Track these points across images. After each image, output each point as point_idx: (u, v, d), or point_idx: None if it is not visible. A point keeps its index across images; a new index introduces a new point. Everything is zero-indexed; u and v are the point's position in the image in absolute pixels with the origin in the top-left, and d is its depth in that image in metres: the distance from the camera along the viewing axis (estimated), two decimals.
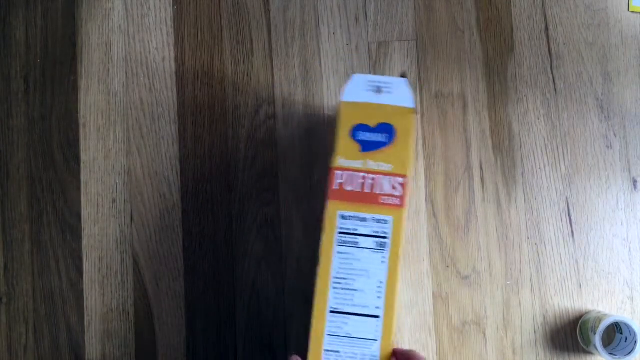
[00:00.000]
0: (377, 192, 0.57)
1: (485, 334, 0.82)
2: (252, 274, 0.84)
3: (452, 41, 0.87)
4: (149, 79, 0.87)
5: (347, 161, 0.58)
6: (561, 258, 0.84)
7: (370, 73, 0.87)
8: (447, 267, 0.83)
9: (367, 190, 0.57)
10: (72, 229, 0.85)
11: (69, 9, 0.88)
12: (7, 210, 0.85)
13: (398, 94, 0.60)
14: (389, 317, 0.55)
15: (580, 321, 0.81)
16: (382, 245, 0.56)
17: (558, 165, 0.85)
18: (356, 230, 0.57)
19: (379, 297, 0.55)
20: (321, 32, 0.87)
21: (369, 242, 0.57)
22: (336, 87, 0.86)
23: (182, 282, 0.84)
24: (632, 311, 0.83)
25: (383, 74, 0.87)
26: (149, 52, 0.87)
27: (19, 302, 0.84)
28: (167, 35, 0.88)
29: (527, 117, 0.86)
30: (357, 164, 0.58)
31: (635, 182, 0.85)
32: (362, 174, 0.58)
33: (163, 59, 0.87)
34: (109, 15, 0.88)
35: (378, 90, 0.60)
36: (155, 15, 0.88)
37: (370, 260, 0.56)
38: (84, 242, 0.85)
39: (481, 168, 0.85)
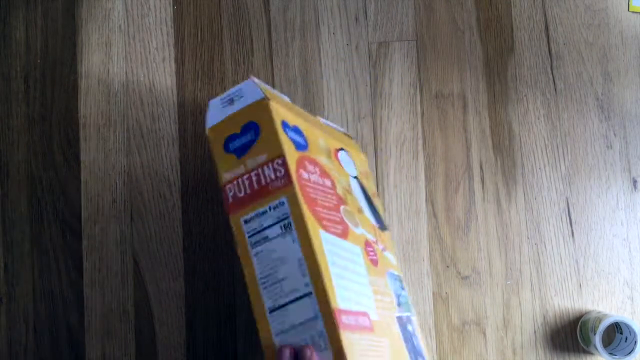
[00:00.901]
0: (264, 183, 0.59)
1: (485, 334, 0.82)
2: None
3: (452, 41, 0.87)
4: (149, 79, 0.87)
5: (230, 173, 0.60)
6: (561, 258, 0.84)
7: (370, 74, 0.87)
8: (447, 267, 0.83)
9: (255, 187, 0.59)
10: (72, 229, 0.85)
11: (69, 9, 0.88)
12: (7, 210, 0.85)
13: (248, 94, 0.62)
14: (320, 288, 0.54)
15: (580, 321, 0.81)
16: (287, 226, 0.57)
17: (558, 165, 0.85)
18: (262, 225, 0.58)
19: (303, 275, 0.55)
20: (321, 32, 0.87)
21: (276, 230, 0.57)
22: (336, 87, 0.86)
23: (182, 282, 0.84)
24: (632, 311, 0.83)
25: (383, 74, 0.87)
26: (149, 52, 0.87)
27: (19, 302, 0.84)
28: (167, 35, 0.88)
29: (527, 117, 0.86)
30: (239, 170, 0.60)
31: (635, 182, 0.85)
32: (245, 176, 0.60)
33: (163, 59, 0.87)
34: (109, 15, 0.88)
35: (231, 102, 0.63)
36: (155, 15, 0.88)
37: (283, 246, 0.57)
38: (84, 242, 0.85)
39: (481, 168, 0.85)
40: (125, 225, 0.85)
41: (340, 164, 0.69)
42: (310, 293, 0.55)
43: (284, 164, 0.58)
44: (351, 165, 0.72)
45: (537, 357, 0.82)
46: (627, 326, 0.76)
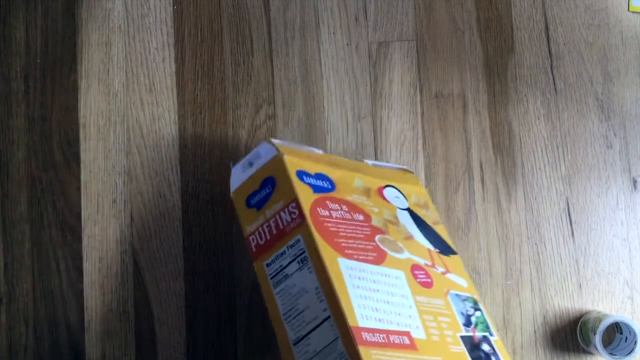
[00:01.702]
0: (282, 227, 0.64)
1: None
2: (252, 274, 0.84)
3: (452, 41, 0.87)
4: (149, 79, 0.87)
5: (251, 226, 0.67)
6: (561, 258, 0.84)
7: (370, 74, 0.87)
8: None
9: (274, 232, 0.64)
10: (72, 229, 0.85)
11: (69, 9, 0.88)
12: (7, 210, 0.85)
13: (264, 154, 0.69)
14: (336, 309, 0.57)
15: (580, 321, 0.81)
16: (304, 260, 0.61)
17: (558, 165, 0.85)
18: (281, 265, 0.63)
19: (321, 301, 0.58)
20: (321, 32, 0.87)
21: (294, 266, 0.62)
22: (336, 87, 0.86)
23: (182, 282, 0.84)
24: (632, 311, 0.83)
25: (383, 74, 0.87)
26: (149, 52, 0.87)
27: (19, 302, 0.84)
28: (167, 35, 0.88)
29: (527, 117, 0.86)
30: (259, 221, 0.66)
31: (635, 182, 0.85)
32: (265, 225, 0.65)
33: (163, 59, 0.87)
34: (109, 15, 0.88)
35: (250, 164, 0.70)
36: (155, 15, 0.88)
37: (301, 278, 0.61)
38: (84, 242, 0.85)
39: (481, 168, 0.85)
40: (125, 225, 0.85)
41: (384, 199, 0.74)
42: (329, 317, 0.58)
43: (298, 206, 0.63)
44: (401, 198, 0.77)
45: (537, 357, 0.82)
46: (627, 326, 0.76)
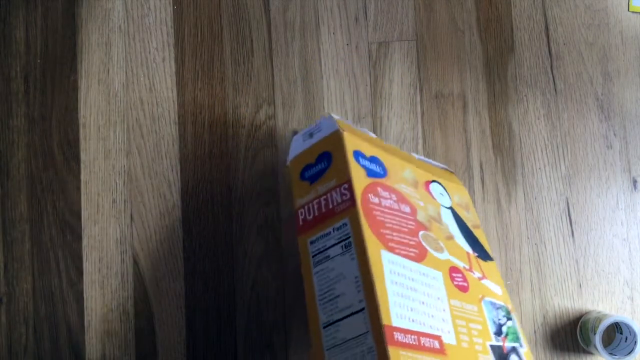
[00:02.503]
0: (331, 207, 0.63)
1: None
2: (252, 274, 0.84)
3: (452, 41, 0.87)
4: (149, 79, 0.87)
5: (302, 199, 0.66)
6: (561, 258, 0.84)
7: (370, 74, 0.87)
8: None
9: (323, 210, 0.63)
10: (72, 229, 0.85)
11: (69, 9, 0.88)
12: (7, 210, 0.85)
13: (325, 128, 0.68)
14: (372, 304, 0.55)
15: (580, 321, 0.81)
16: (348, 245, 0.60)
17: (558, 165, 0.85)
18: (325, 246, 0.62)
19: (359, 291, 0.57)
20: (321, 32, 0.87)
21: (337, 249, 0.60)
22: (336, 87, 0.86)
23: (182, 282, 0.84)
24: (632, 311, 0.83)
25: (383, 74, 0.87)
26: (149, 52, 0.87)
27: (19, 302, 0.84)
28: (167, 35, 0.88)
29: (527, 117, 0.86)
30: (310, 196, 0.65)
31: (635, 182, 0.85)
32: (315, 201, 0.64)
33: (163, 59, 0.87)
34: (109, 15, 0.88)
35: (310, 135, 0.69)
36: (155, 15, 0.88)
37: (342, 263, 0.59)
38: (84, 242, 0.85)
39: (481, 168, 0.85)
40: (125, 225, 0.85)
41: (430, 195, 0.73)
42: (363, 309, 0.56)
43: (350, 188, 0.62)
44: (445, 196, 0.76)
45: (537, 357, 0.82)
46: (627, 326, 0.76)
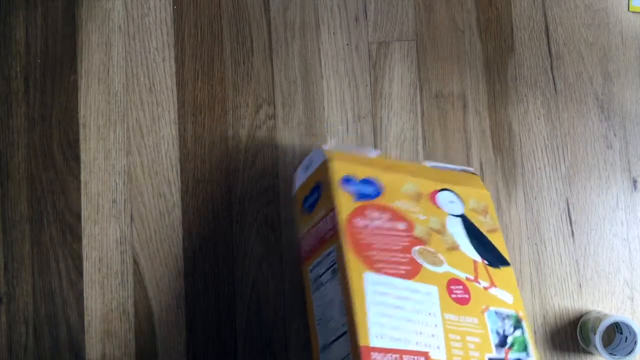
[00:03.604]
0: (322, 235, 0.65)
1: None
2: (252, 274, 0.84)
3: (452, 41, 0.87)
4: (149, 79, 0.87)
5: (303, 229, 0.69)
6: (561, 258, 0.84)
7: (370, 74, 0.87)
8: None
9: (318, 238, 0.66)
10: (72, 229, 0.85)
11: (69, 9, 0.88)
12: (7, 210, 0.85)
13: (316, 159, 0.71)
14: (351, 326, 0.57)
15: (580, 321, 0.81)
16: (334, 271, 0.62)
17: (558, 165, 0.85)
18: (319, 272, 0.64)
19: (343, 315, 0.59)
20: (321, 32, 0.87)
21: (328, 275, 0.63)
22: (336, 87, 0.86)
23: (182, 282, 0.84)
24: (632, 311, 0.83)
25: (383, 74, 0.87)
26: (149, 52, 0.87)
27: (19, 302, 0.84)
28: (167, 35, 0.88)
29: (527, 117, 0.86)
30: (308, 225, 0.68)
31: (635, 182, 0.85)
32: (312, 230, 0.67)
33: (163, 59, 0.87)
34: (109, 15, 0.88)
35: (307, 167, 0.71)
36: (155, 15, 0.88)
37: (331, 288, 0.62)
38: (84, 242, 0.85)
39: (481, 168, 0.85)
40: (125, 225, 0.85)
41: (435, 205, 0.73)
42: (346, 332, 0.58)
43: (334, 216, 0.64)
44: (456, 204, 0.75)
45: None
46: (627, 326, 0.76)
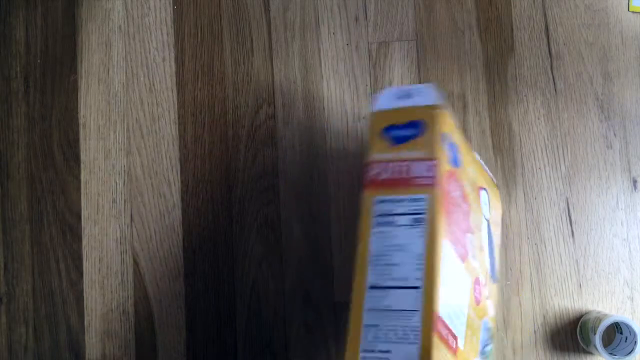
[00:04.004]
0: (412, 176, 0.60)
1: None
2: (252, 274, 0.84)
3: (452, 41, 0.87)
4: (149, 79, 0.87)
5: (380, 155, 0.63)
6: (561, 258, 0.84)
7: (370, 74, 0.87)
8: None
9: (402, 175, 0.61)
10: (72, 229, 0.85)
11: (69, 9, 0.88)
12: (7, 210, 0.85)
13: (427, 96, 0.65)
14: (430, 287, 0.55)
15: (580, 321, 0.81)
16: (419, 220, 0.58)
17: (558, 165, 0.85)
18: (392, 210, 0.59)
19: (418, 269, 0.56)
20: (321, 32, 0.87)
21: (405, 220, 0.59)
22: (336, 87, 0.86)
23: (182, 282, 0.84)
24: (632, 311, 0.83)
25: (383, 74, 0.87)
26: (149, 52, 0.87)
27: (19, 302, 0.84)
28: (167, 35, 0.88)
29: (527, 117, 0.86)
30: (389, 155, 0.62)
31: (635, 182, 0.85)
32: (395, 163, 0.62)
33: (163, 59, 0.87)
34: (109, 15, 0.88)
35: (408, 96, 0.66)
36: (155, 15, 0.88)
37: (408, 236, 0.58)
38: (84, 242, 0.85)
39: None
40: (125, 225, 0.85)
41: (479, 200, 0.72)
42: (419, 287, 0.56)
43: (437, 168, 0.60)
44: (487, 207, 0.74)
45: (537, 357, 0.82)
46: (627, 326, 0.76)
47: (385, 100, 0.67)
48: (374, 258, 0.58)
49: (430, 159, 0.61)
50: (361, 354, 0.54)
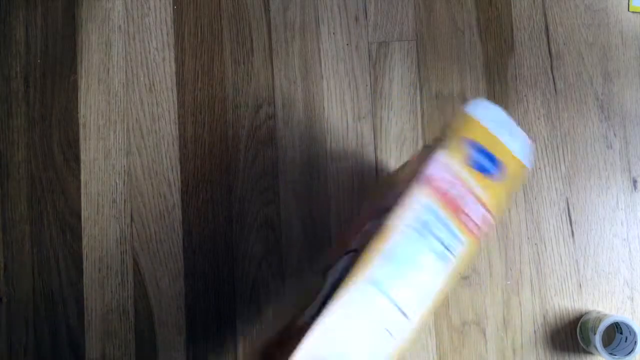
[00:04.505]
0: (465, 211, 0.55)
1: (485, 334, 0.82)
2: (252, 274, 0.84)
3: (452, 41, 0.87)
4: (149, 79, 0.87)
5: (456, 165, 0.56)
6: (561, 258, 0.84)
7: (370, 74, 0.87)
8: None
9: (459, 202, 0.55)
10: (72, 229, 0.85)
11: (69, 9, 0.88)
12: (7, 210, 0.85)
13: (520, 145, 0.60)
14: (414, 322, 0.50)
15: (580, 321, 0.81)
16: (445, 258, 0.53)
17: (558, 165, 0.85)
18: (432, 227, 0.54)
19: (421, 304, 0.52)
20: (321, 32, 0.87)
21: (437, 246, 0.53)
22: (336, 87, 0.86)
23: (182, 282, 0.84)
24: (632, 311, 0.83)
25: (383, 74, 0.87)
26: (149, 52, 0.87)
27: (19, 302, 0.84)
28: (167, 35, 0.88)
29: (527, 117, 0.86)
30: (463, 173, 0.56)
31: (635, 182, 0.85)
32: (464, 187, 0.56)
33: (163, 59, 0.87)
34: (109, 15, 0.88)
35: (505, 126, 0.60)
36: (155, 15, 0.88)
37: (429, 264, 0.53)
38: (84, 242, 0.85)
39: None
40: (125, 225, 0.85)
41: None
42: (407, 317, 0.52)
43: (488, 223, 0.56)
44: None
45: (537, 357, 0.82)
46: (627, 326, 0.76)
47: (483, 112, 0.60)
48: (389, 253, 0.52)
49: (489, 212, 0.56)
50: None
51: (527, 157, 0.59)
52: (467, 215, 0.55)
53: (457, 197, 0.55)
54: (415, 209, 0.53)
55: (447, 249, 0.53)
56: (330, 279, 0.56)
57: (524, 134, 0.60)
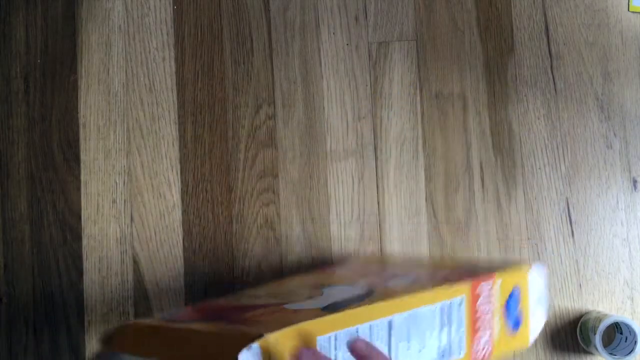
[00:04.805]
0: (479, 332, 0.58)
1: None
2: (252, 274, 0.84)
3: (452, 41, 0.87)
4: (149, 79, 0.87)
5: (498, 290, 0.60)
6: (561, 258, 0.84)
7: (370, 74, 0.87)
8: None
9: (481, 318, 0.58)
10: (72, 229, 0.85)
11: (69, 8, 0.88)
12: (7, 210, 0.85)
13: (537, 325, 0.64)
14: None
15: (580, 321, 0.81)
16: (443, 354, 0.55)
17: (558, 165, 0.85)
18: (451, 311, 0.56)
19: None
20: (321, 32, 0.87)
21: (443, 336, 0.55)
22: (336, 87, 0.86)
23: (182, 282, 0.84)
24: (632, 311, 0.83)
25: (383, 74, 0.87)
26: (149, 52, 0.87)
27: (19, 302, 0.84)
28: (167, 35, 0.88)
29: (527, 117, 0.86)
30: (495, 303, 0.59)
31: (635, 182, 0.85)
32: (491, 312, 0.59)
33: (163, 59, 0.87)
34: (109, 15, 0.88)
35: (541, 304, 0.65)
36: (155, 15, 0.88)
37: (432, 345, 0.54)
38: (84, 242, 0.85)
39: (481, 168, 0.85)
40: (125, 225, 0.85)
41: None
42: None
43: (487, 356, 0.59)
44: None
45: (537, 357, 0.82)
46: (627, 326, 0.76)
47: (536, 279, 0.64)
48: (414, 314, 0.53)
49: (492, 345, 0.59)
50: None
51: (535, 336, 0.63)
52: (478, 336, 0.57)
53: (483, 314, 0.58)
54: (450, 294, 0.55)
55: (449, 346, 0.55)
56: (324, 295, 0.56)
57: (546, 315, 0.64)
